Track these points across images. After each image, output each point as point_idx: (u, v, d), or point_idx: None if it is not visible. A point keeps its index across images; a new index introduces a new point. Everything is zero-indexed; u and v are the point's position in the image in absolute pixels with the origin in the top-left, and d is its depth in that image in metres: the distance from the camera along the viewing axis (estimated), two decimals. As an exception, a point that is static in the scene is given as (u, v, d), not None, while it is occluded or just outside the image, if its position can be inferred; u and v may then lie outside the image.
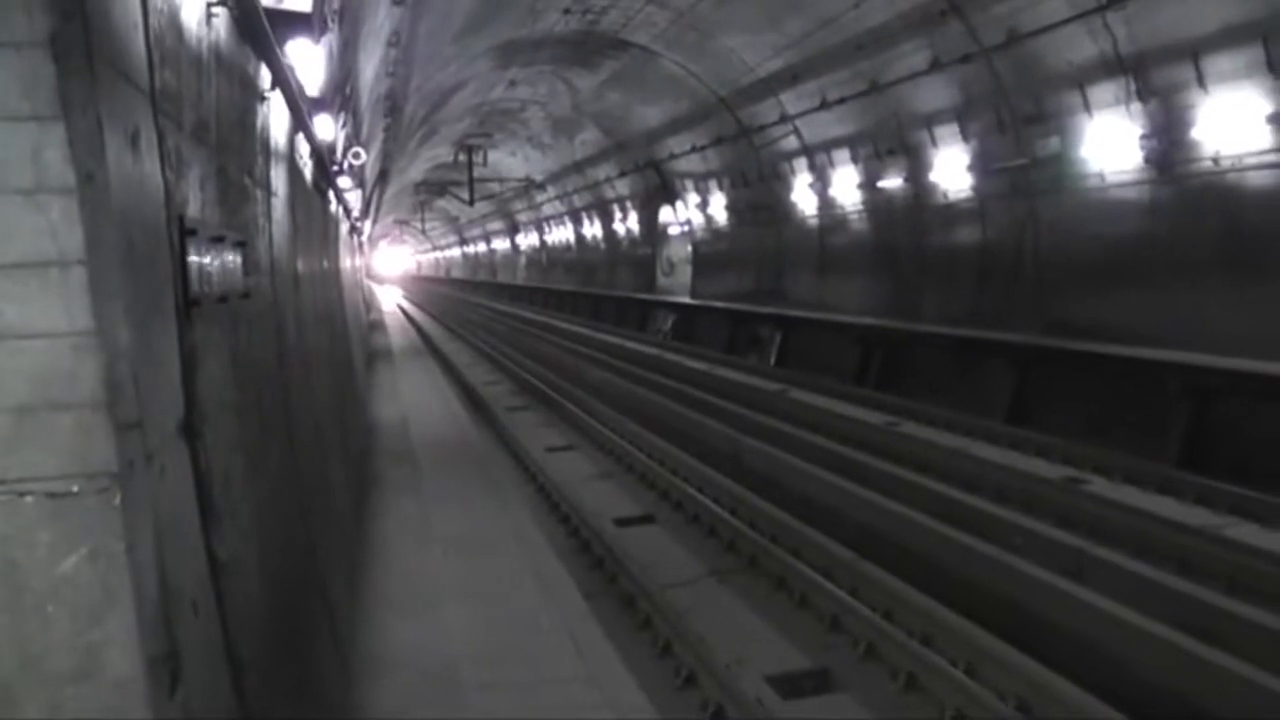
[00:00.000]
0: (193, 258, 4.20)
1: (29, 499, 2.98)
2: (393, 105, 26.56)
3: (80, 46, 2.96)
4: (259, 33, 6.31)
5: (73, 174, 2.97)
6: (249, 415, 5.52)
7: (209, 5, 5.01)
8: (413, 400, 22.13)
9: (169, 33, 4.17)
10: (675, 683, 8.85)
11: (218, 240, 4.78)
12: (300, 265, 10.35)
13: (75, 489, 3.00)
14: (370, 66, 19.26)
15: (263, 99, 7.29)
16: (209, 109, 5.09)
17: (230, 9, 5.55)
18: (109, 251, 3.09)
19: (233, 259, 5.19)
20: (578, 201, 53.98)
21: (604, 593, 11.09)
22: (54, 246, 2.97)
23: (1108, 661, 8.83)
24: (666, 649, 9.45)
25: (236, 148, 6.03)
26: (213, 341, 4.69)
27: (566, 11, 27.41)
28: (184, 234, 4.11)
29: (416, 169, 57.96)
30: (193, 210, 4.42)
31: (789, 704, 8.45)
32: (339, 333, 16.96)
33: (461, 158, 51.96)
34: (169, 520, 3.44)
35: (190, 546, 3.74)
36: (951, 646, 8.98)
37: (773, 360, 30.10)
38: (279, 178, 8.51)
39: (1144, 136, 17.48)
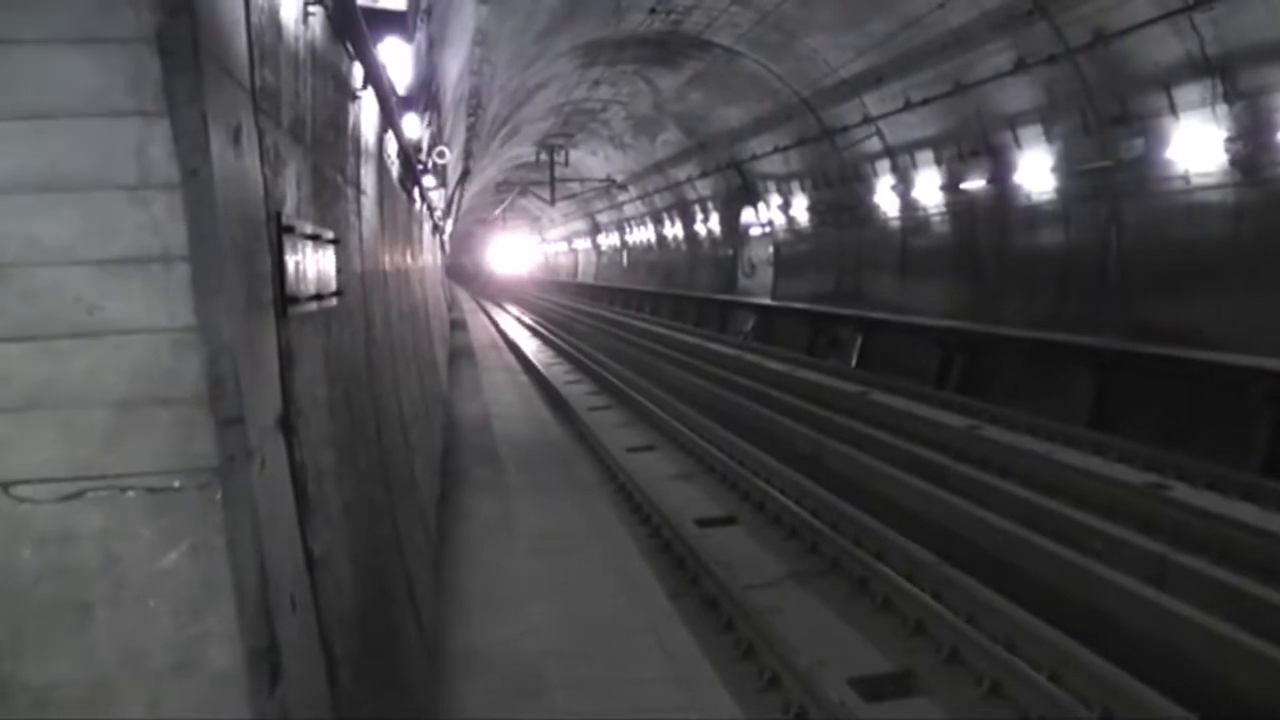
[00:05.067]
0: (289, 255, 4.22)
1: (130, 494, 3.00)
2: (476, 104, 26.70)
3: (186, 42, 2.96)
4: (354, 32, 6.35)
5: (177, 170, 2.98)
6: (340, 412, 5.55)
7: (306, 4, 5.03)
8: (494, 398, 22.22)
9: (269, 30, 4.19)
10: (758, 684, 8.82)
11: (312, 238, 4.80)
12: (387, 263, 10.41)
13: (176, 484, 3.01)
14: (455, 65, 19.35)
15: (355, 97, 7.34)
16: (305, 107, 5.11)
17: (326, 8, 5.58)
18: (211, 248, 3.10)
19: (326, 257, 5.21)
20: (659, 202, 53.99)
21: (685, 593, 11.06)
22: (157, 242, 2.98)
23: (1192, 669, 8.71)
24: (749, 650, 9.42)
25: (330, 146, 6.07)
26: (306, 338, 4.71)
27: (651, 11, 27.39)
28: (281, 231, 4.12)
29: (497, 168, 58.29)
30: (289, 208, 4.44)
31: (871, 706, 8.41)
32: (422, 330, 17.06)
33: (543, 157, 52.19)
34: (268, 515, 3.45)
35: (287, 541, 3.76)
36: (1035, 652, 8.88)
37: (853, 362, 29.89)
38: (368, 176, 8.56)
39: (1230, 139, 17.16)
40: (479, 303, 70.03)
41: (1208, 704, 7.91)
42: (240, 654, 3.02)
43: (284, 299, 4.14)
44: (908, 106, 25.55)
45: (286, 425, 3.98)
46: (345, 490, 5.34)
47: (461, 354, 31.89)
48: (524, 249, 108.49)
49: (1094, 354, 19.61)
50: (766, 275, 40.67)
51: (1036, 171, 22.59)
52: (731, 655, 9.40)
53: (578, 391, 27.44)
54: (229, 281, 3.25)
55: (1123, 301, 20.21)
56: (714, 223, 46.58)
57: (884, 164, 29.30)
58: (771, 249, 40.08)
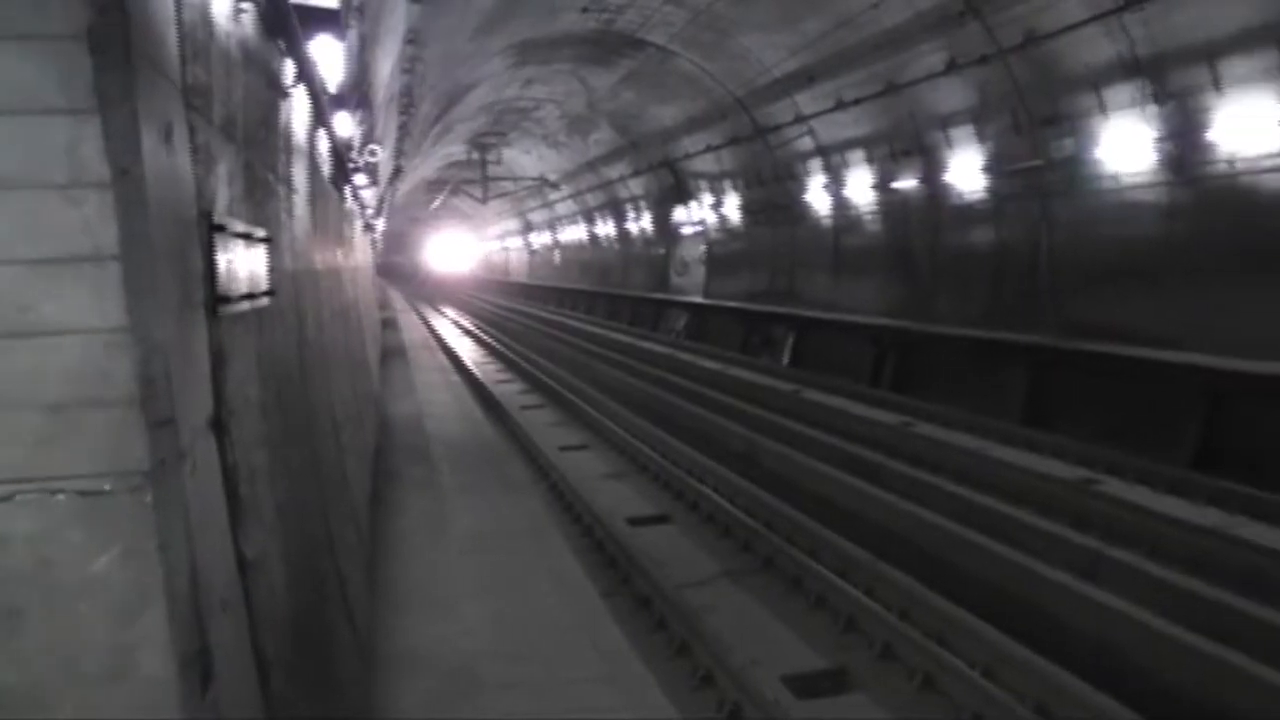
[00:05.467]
0: (220, 254, 4.18)
1: (60, 497, 2.96)
2: (408, 102, 26.56)
3: (117, 39, 2.93)
4: (286, 29, 6.30)
5: (108, 169, 2.94)
6: (272, 412, 5.50)
7: (238, 1, 4.99)
8: (427, 398, 22.12)
9: (200, 28, 4.14)
10: (692, 683, 8.83)
11: (244, 237, 4.75)
12: (319, 262, 10.33)
13: (107, 487, 2.98)
14: (387, 63, 19.24)
15: (287, 95, 7.27)
16: (236, 104, 5.07)
17: (258, 5, 5.54)
18: (143, 247, 3.06)
19: (258, 256, 5.16)
20: (591, 200, 53.89)
21: (617, 592, 11.07)
22: (89, 242, 2.95)
23: (1122, 662, 8.81)
24: (683, 648, 9.43)
25: (262, 143, 6.02)
26: (239, 338, 4.66)
27: (584, 10, 27.35)
28: (212, 230, 4.08)
29: (430, 166, 57.91)
30: (220, 206, 4.40)
31: (805, 703, 8.44)
32: (354, 329, 16.95)
33: (475, 155, 51.94)
34: (199, 518, 3.42)
35: (219, 544, 3.72)
36: (969, 648, 8.96)
37: (786, 360, 30.01)
38: (300, 174, 8.49)
39: (1159, 139, 17.42)
40: (412, 304, 69.47)
41: (1142, 698, 8.00)
42: (172, 658, 2.99)
43: (215, 298, 4.10)
44: (840, 106, 25.66)
45: (218, 426, 3.94)
46: (278, 491, 5.30)
47: (394, 354, 31.68)
48: (458, 247, 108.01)
49: (1028, 351, 19.80)
50: (699, 274, 40.71)
51: (968, 171, 22.79)
52: (665, 654, 9.40)
53: (510, 391, 27.39)
54: (161, 281, 3.22)
55: (1055, 299, 20.43)
56: (646, 221, 46.57)
57: (816, 163, 29.41)
58: (704, 248, 40.13)
